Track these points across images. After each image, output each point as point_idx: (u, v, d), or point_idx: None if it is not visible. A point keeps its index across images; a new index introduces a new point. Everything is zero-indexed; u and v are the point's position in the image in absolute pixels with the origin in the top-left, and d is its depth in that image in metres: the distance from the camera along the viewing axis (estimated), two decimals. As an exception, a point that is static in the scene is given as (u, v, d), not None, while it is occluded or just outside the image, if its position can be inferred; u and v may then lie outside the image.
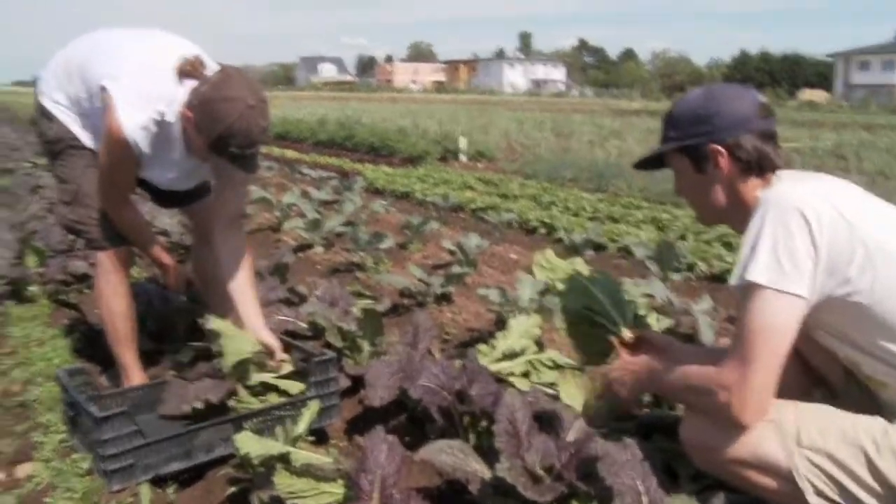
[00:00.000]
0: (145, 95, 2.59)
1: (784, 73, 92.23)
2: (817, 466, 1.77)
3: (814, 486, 1.77)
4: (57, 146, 2.87)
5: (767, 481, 1.83)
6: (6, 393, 3.24)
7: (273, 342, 2.88)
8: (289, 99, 43.78)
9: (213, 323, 2.76)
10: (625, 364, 2.28)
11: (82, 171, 2.87)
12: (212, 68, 2.64)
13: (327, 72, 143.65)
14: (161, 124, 2.63)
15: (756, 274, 1.75)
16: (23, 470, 2.58)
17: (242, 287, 2.94)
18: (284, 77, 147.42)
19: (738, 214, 1.97)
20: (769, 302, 1.75)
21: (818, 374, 2.13)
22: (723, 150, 1.93)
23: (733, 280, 1.84)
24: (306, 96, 57.48)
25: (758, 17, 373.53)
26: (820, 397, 1.98)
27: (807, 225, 1.73)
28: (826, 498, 1.76)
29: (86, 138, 2.86)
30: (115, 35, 2.87)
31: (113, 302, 2.91)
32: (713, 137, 1.94)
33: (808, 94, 62.72)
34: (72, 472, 2.46)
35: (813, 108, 45.68)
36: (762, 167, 1.94)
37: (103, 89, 2.60)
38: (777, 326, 1.76)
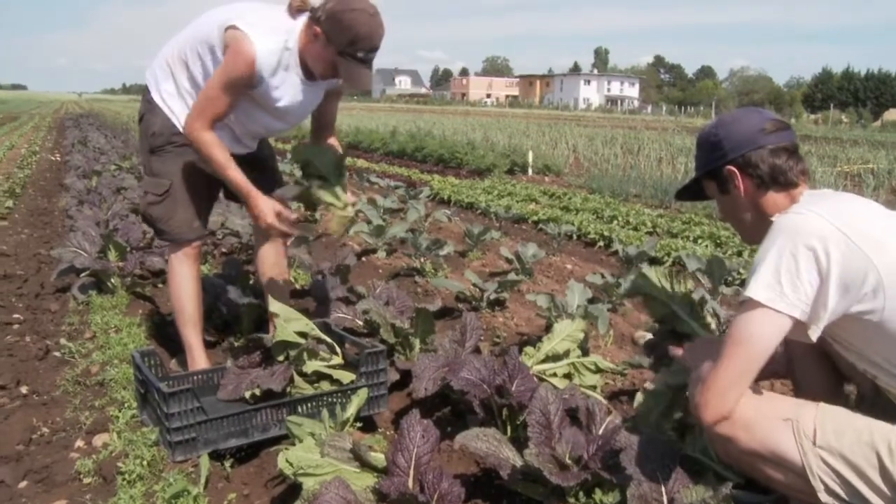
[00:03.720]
0: (271, 27, 2.87)
1: (869, 93, 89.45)
2: (830, 466, 1.84)
3: (825, 485, 1.84)
4: (157, 140, 3.11)
5: (781, 476, 1.91)
6: (87, 373, 3.53)
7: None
8: (364, 110, 44.54)
9: (273, 305, 2.98)
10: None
11: (177, 168, 3.12)
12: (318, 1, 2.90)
13: (403, 84, 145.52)
14: (284, 51, 2.90)
15: (754, 291, 1.86)
16: (100, 439, 2.85)
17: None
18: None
19: (765, 230, 2.08)
20: (758, 316, 1.86)
21: (848, 379, 2.21)
22: (735, 169, 2.09)
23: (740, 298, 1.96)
24: (381, 108, 58.31)
25: (844, 34, 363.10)
26: (850, 401, 2.05)
27: (812, 253, 1.83)
28: (836, 497, 1.84)
29: None
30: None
31: (183, 286, 3.19)
32: (726, 159, 2.10)
33: (893, 114, 60.63)
34: (141, 442, 2.69)
35: (898, 130, 44.13)
36: (777, 181, 2.06)
37: (231, 27, 2.82)
38: (756, 339, 1.86)
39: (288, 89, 3.00)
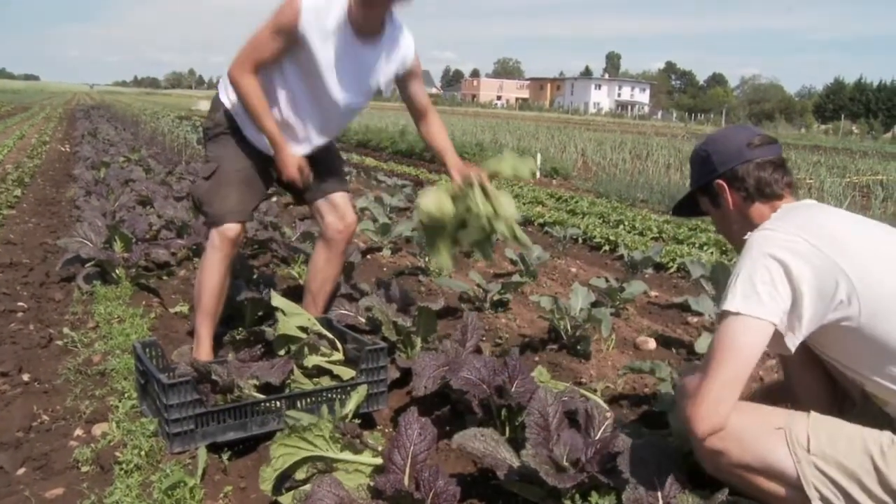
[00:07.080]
0: None
1: (881, 104, 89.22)
2: (825, 474, 1.83)
3: (820, 493, 1.83)
4: (215, 129, 3.26)
5: (774, 487, 1.90)
6: (88, 362, 3.54)
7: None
8: (374, 108, 44.44)
9: (276, 300, 2.98)
10: None
11: (227, 153, 3.23)
12: None
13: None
14: (332, 7, 2.96)
15: (731, 304, 1.88)
16: (99, 428, 2.85)
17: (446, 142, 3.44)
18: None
19: None
20: (738, 325, 1.87)
21: (842, 389, 2.21)
22: (723, 183, 2.15)
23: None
24: (391, 107, 58.10)
25: (857, 45, 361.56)
26: (846, 410, 2.05)
27: (782, 265, 1.86)
28: None
29: (249, 130, 3.21)
30: None
31: (210, 277, 3.20)
32: (715, 174, 2.16)
33: (905, 127, 60.35)
34: (140, 433, 2.70)
35: (909, 142, 44.03)
36: (763, 193, 2.12)
37: None
38: (741, 346, 1.87)
39: (338, 48, 3.03)
